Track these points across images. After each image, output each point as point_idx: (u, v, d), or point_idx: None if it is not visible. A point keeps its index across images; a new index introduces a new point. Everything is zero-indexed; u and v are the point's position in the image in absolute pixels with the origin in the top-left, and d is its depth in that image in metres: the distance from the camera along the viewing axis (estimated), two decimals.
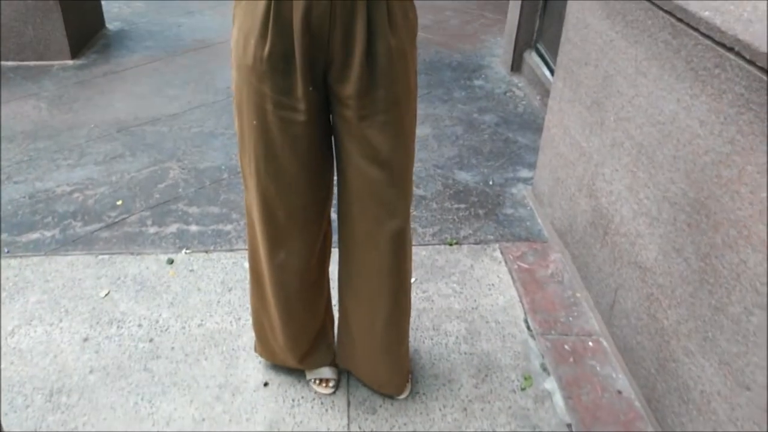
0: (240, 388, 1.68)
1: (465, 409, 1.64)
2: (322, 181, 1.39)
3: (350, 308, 1.56)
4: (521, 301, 1.99)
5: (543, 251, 2.22)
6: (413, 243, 2.24)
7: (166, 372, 1.73)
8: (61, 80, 3.59)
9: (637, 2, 1.66)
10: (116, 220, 2.38)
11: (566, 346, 1.82)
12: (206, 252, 2.21)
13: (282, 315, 1.52)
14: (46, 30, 3.70)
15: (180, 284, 2.05)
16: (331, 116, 1.32)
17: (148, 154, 2.84)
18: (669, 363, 1.51)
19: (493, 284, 2.07)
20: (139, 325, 1.89)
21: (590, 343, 1.83)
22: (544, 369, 1.76)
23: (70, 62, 3.82)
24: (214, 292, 2.02)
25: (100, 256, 2.18)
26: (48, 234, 2.29)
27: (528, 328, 1.90)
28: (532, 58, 3.54)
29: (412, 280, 2.07)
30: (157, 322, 1.90)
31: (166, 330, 1.87)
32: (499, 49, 4.08)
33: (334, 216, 1.47)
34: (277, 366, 1.73)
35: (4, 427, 1.51)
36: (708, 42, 1.35)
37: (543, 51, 3.47)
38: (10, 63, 3.75)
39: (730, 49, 1.27)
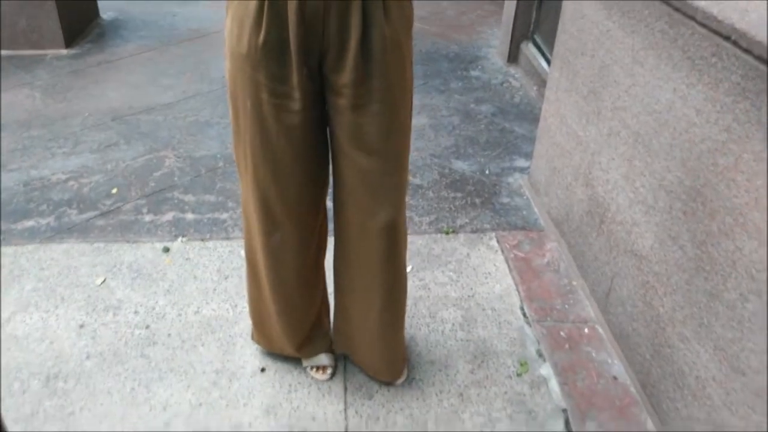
0: (237, 374, 1.69)
1: (461, 395, 1.65)
2: (318, 171, 1.39)
3: (345, 297, 1.57)
4: (517, 289, 2.01)
5: (539, 240, 2.23)
6: (410, 232, 2.25)
7: (162, 358, 1.73)
8: (54, 69, 3.57)
9: None
10: (111, 208, 2.37)
11: (562, 333, 1.83)
12: (202, 240, 2.21)
13: (278, 303, 1.52)
14: (39, 19, 3.67)
15: (176, 272, 2.05)
16: (326, 106, 1.32)
17: (143, 143, 2.83)
18: (664, 349, 1.52)
19: (489, 273, 2.08)
20: (136, 312, 1.89)
21: (586, 330, 1.84)
22: (540, 355, 1.77)
23: (64, 52, 3.79)
24: (210, 279, 2.02)
25: (96, 244, 2.17)
26: (43, 222, 2.28)
27: (524, 315, 1.91)
28: (528, 49, 3.54)
29: (409, 268, 2.08)
30: (154, 309, 1.90)
31: (162, 317, 1.87)
32: (495, 40, 4.08)
33: (330, 205, 1.47)
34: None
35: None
36: (704, 31, 1.36)
37: (540, 42, 3.48)
38: (3, 52, 3.73)
39: (727, 38, 1.28)
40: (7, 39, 3.70)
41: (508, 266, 2.11)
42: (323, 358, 1.68)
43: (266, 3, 1.14)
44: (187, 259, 2.12)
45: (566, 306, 1.94)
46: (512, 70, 3.67)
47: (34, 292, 1.95)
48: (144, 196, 2.44)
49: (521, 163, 2.73)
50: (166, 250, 2.15)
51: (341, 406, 1.61)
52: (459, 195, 2.50)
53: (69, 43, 3.83)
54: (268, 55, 1.19)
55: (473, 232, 2.28)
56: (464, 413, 1.60)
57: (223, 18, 1.23)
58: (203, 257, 2.12)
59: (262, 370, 1.70)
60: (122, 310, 1.89)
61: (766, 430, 1.18)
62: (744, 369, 1.24)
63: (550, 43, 2.98)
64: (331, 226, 1.52)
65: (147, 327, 1.83)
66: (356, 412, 1.60)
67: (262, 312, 1.61)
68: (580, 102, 2.00)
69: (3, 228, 2.24)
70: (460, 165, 2.70)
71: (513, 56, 3.70)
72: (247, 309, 1.81)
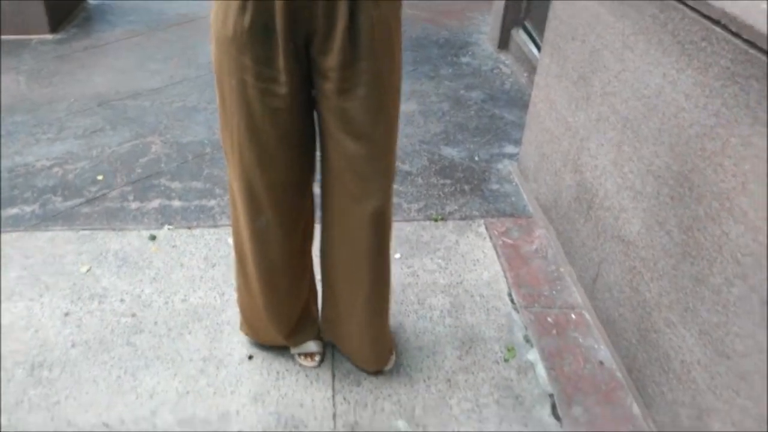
0: (224, 362, 1.68)
1: (449, 380, 1.65)
2: (304, 156, 1.37)
3: (332, 284, 1.56)
4: (505, 276, 2.00)
5: (528, 227, 2.23)
6: (399, 219, 2.24)
7: (149, 346, 1.72)
8: (40, 54, 3.51)
9: None
10: (97, 195, 2.35)
11: (549, 319, 1.84)
12: (189, 228, 2.19)
13: (266, 290, 1.51)
14: (24, 4, 3.61)
15: (162, 260, 2.04)
16: (313, 90, 1.30)
17: (129, 129, 2.79)
18: (650, 334, 1.53)
19: (477, 259, 2.08)
20: (122, 300, 1.87)
21: (573, 316, 1.85)
22: (527, 341, 1.77)
23: (50, 36, 3.73)
24: (197, 267, 2.01)
25: (81, 232, 2.15)
26: (27, 209, 2.25)
27: (512, 301, 1.91)
28: (519, 36, 3.52)
29: (397, 255, 2.07)
30: (140, 297, 1.88)
31: (148, 305, 1.86)
32: (486, 26, 4.06)
33: (318, 192, 1.46)
34: None
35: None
36: (694, 15, 1.35)
37: (530, 28, 3.46)
38: None
39: (717, 22, 1.27)
40: None
41: (497, 253, 2.10)
42: (311, 345, 1.68)
43: None
44: (173, 246, 2.10)
45: (554, 292, 1.94)
46: (503, 56, 3.65)
47: (18, 281, 1.93)
48: (130, 183, 2.42)
49: (510, 149, 2.72)
50: (153, 237, 2.13)
51: (329, 393, 1.61)
52: (448, 182, 2.49)
53: (54, 27, 3.77)
54: (254, 38, 1.17)
55: (462, 219, 2.28)
56: (452, 399, 1.60)
57: (211, 3, 1.20)
58: (190, 245, 2.10)
59: (250, 357, 1.69)
60: (108, 298, 1.87)
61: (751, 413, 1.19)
62: (729, 353, 1.24)
63: (541, 29, 2.96)
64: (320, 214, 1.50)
65: (133, 315, 1.82)
66: (344, 399, 1.59)
67: (250, 303, 1.60)
68: (570, 87, 1.98)
69: None
70: (450, 151, 2.69)
71: (503, 42, 3.68)
72: (234, 297, 1.80)
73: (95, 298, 1.87)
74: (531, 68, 3.20)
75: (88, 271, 1.98)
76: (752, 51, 1.17)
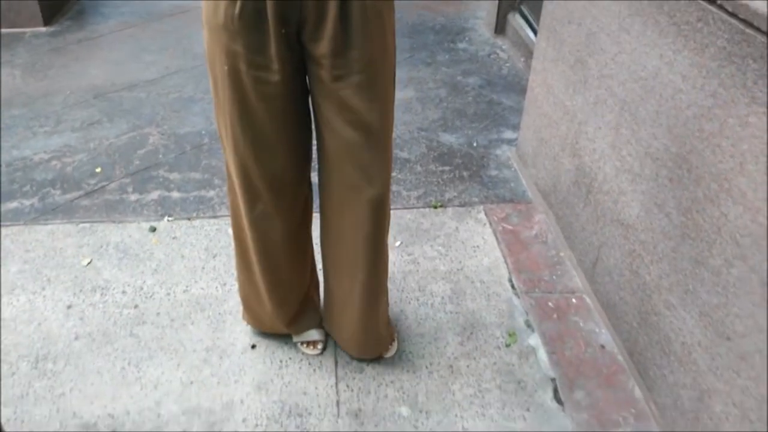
0: (227, 351, 1.69)
1: (451, 366, 1.66)
2: (300, 144, 1.37)
3: (330, 272, 1.56)
4: (506, 262, 2.01)
5: (527, 212, 2.23)
6: (398, 206, 2.24)
7: (152, 337, 1.73)
8: (34, 47, 3.49)
9: None
10: (96, 187, 2.34)
11: (550, 304, 1.84)
12: (189, 219, 2.19)
13: (267, 278, 1.51)
14: None
15: (163, 251, 2.04)
16: (306, 77, 1.29)
17: (126, 120, 2.78)
18: (651, 317, 1.53)
19: (477, 246, 2.08)
20: (124, 292, 1.88)
21: (573, 300, 1.85)
22: (528, 326, 1.78)
23: (43, 29, 3.71)
24: (198, 258, 2.01)
25: (81, 225, 2.15)
26: (27, 203, 2.25)
27: (512, 287, 1.91)
28: (516, 20, 3.50)
29: (397, 243, 2.07)
30: (142, 288, 1.89)
31: (151, 296, 1.86)
32: (482, 11, 4.03)
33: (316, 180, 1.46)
34: None
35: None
36: None
37: (527, 12, 3.43)
38: None
39: (713, 2, 1.27)
40: None
41: (497, 239, 2.11)
42: (314, 333, 1.69)
43: None
44: (174, 238, 2.10)
45: (554, 277, 1.95)
46: (499, 41, 3.63)
47: (20, 274, 1.93)
48: (128, 175, 2.41)
49: (509, 134, 2.71)
50: (153, 229, 2.13)
51: (332, 380, 1.62)
52: (447, 168, 2.48)
53: (48, 20, 3.75)
54: (245, 25, 1.16)
55: (461, 205, 2.28)
56: (454, 384, 1.61)
57: None
58: (190, 236, 2.11)
59: (253, 346, 1.70)
60: (110, 291, 1.88)
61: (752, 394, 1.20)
62: (729, 334, 1.25)
63: (537, 14, 2.94)
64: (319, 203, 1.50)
65: (135, 306, 1.82)
66: (347, 386, 1.60)
67: (251, 292, 1.60)
68: (567, 71, 1.98)
69: None
70: (448, 138, 2.69)
71: (500, 27, 3.66)
72: (236, 287, 1.81)
73: (97, 291, 1.88)
74: (528, 53, 3.18)
75: (89, 263, 1.98)
76: (749, 31, 1.16)
